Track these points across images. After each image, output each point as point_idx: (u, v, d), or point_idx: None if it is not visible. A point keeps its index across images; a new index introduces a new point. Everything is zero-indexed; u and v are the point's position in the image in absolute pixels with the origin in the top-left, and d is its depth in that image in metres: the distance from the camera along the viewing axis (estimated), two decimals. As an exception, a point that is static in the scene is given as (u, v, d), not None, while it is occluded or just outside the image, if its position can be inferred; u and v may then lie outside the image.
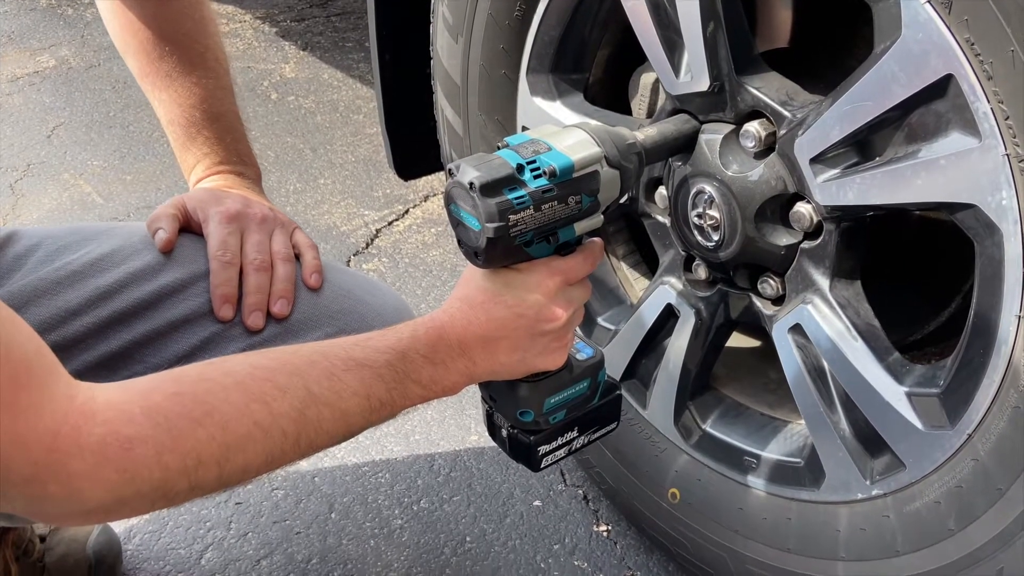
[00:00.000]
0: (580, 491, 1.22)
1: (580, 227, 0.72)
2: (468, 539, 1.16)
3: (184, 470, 0.58)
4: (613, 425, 0.82)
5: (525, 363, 0.72)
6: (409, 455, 1.28)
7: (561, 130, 0.72)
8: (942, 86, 0.66)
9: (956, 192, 0.67)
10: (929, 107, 0.68)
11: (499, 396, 0.76)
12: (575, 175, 0.69)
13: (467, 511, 1.19)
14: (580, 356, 0.77)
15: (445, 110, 1.15)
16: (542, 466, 0.77)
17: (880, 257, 0.86)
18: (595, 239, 0.75)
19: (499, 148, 0.70)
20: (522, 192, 0.66)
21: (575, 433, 0.79)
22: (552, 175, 0.67)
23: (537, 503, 1.21)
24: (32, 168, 2.09)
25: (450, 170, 0.68)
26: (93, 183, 2.03)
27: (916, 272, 0.96)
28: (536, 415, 0.75)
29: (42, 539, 1.07)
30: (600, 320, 1.11)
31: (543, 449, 0.77)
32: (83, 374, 0.79)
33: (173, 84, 0.94)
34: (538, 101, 1.02)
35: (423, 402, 0.71)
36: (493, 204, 0.65)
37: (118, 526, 1.14)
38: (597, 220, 0.73)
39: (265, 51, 2.69)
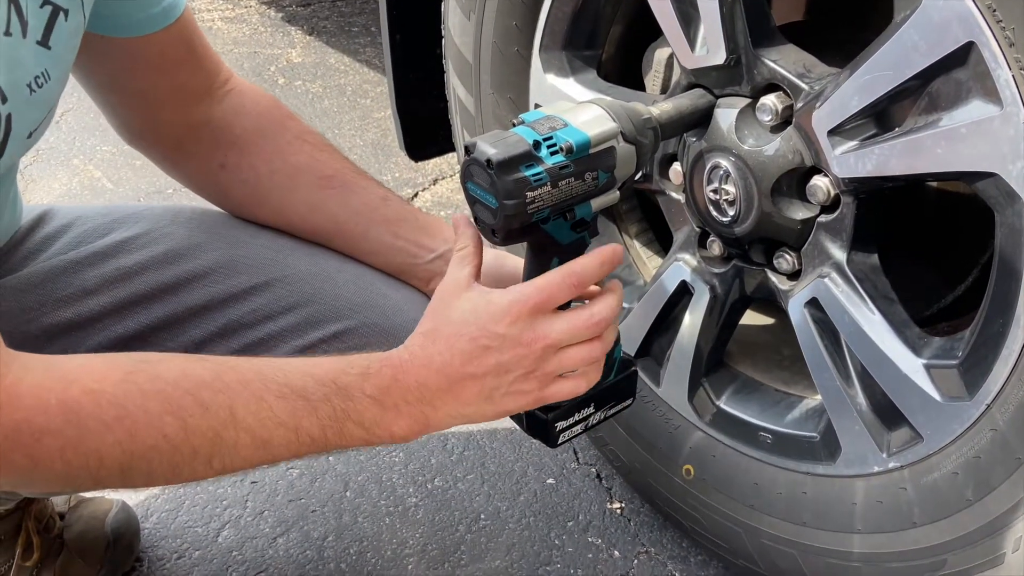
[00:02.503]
0: (593, 469, 1.23)
1: (597, 203, 0.71)
2: (482, 516, 1.16)
3: (86, 467, 0.59)
4: (629, 401, 0.82)
5: (493, 404, 0.67)
6: (422, 435, 1.29)
7: (576, 106, 0.71)
8: (963, 54, 0.66)
9: (977, 161, 0.67)
10: (950, 75, 0.68)
11: None
12: (592, 151, 0.68)
13: (481, 489, 1.20)
14: None
15: (457, 89, 1.15)
16: (559, 442, 0.77)
17: (896, 231, 0.86)
18: (574, 262, 0.69)
19: (514, 125, 0.70)
20: (539, 169, 0.66)
21: (591, 409, 0.79)
22: (569, 151, 0.67)
23: (550, 481, 1.21)
24: (41, 154, 2.09)
25: (467, 147, 0.68)
26: (103, 168, 2.03)
27: (932, 246, 0.96)
28: None
29: (61, 516, 1.08)
30: (613, 298, 1.11)
31: (560, 425, 0.77)
32: (99, 351, 0.80)
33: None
34: (551, 78, 1.02)
35: (366, 446, 0.66)
36: (510, 181, 0.65)
37: (135, 504, 1.15)
38: (613, 196, 0.72)
39: (271, 36, 2.69)
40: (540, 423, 0.76)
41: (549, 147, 0.67)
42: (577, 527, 1.15)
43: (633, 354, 1.07)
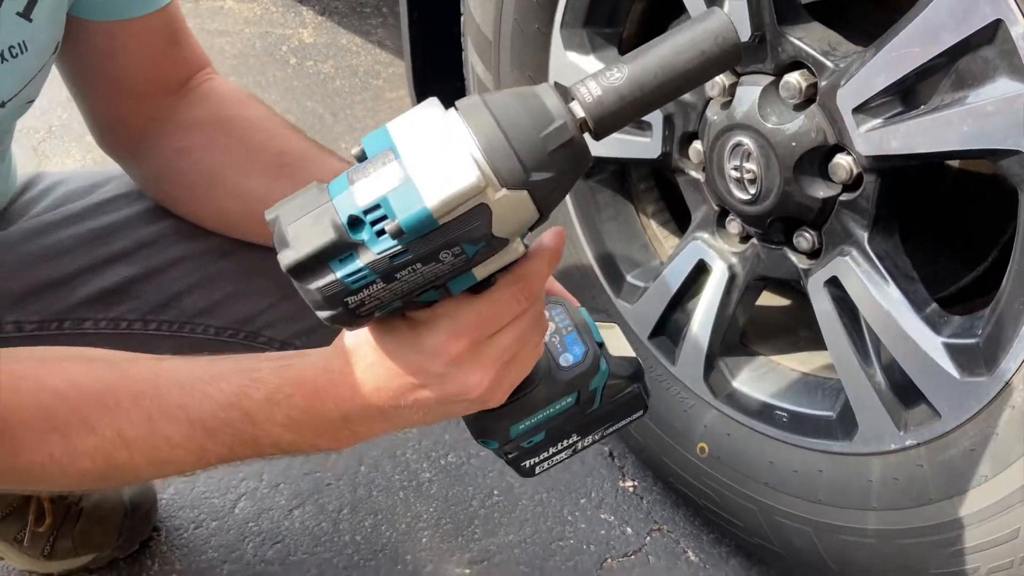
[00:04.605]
0: (606, 448, 1.24)
1: (483, 271, 0.49)
2: (496, 492, 1.17)
3: None
4: (638, 414, 0.64)
5: (436, 417, 0.56)
6: (436, 412, 1.30)
7: (440, 127, 0.45)
8: (990, 31, 0.66)
9: (1002, 138, 0.67)
10: (977, 53, 0.68)
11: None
12: (441, 222, 0.44)
13: (494, 466, 1.21)
14: (565, 362, 0.58)
15: (476, 67, 1.15)
16: (536, 473, 0.63)
17: (916, 211, 0.86)
18: (521, 271, 0.51)
19: (356, 156, 0.48)
20: (358, 265, 0.45)
21: (575, 438, 0.63)
22: (397, 234, 0.44)
23: (563, 459, 1.22)
24: (54, 130, 2.10)
25: (267, 219, 0.47)
26: (115, 145, 2.04)
27: (951, 226, 0.96)
28: (501, 444, 0.60)
29: (79, 486, 1.09)
30: (629, 277, 1.12)
31: (529, 462, 0.63)
32: (80, 307, 0.81)
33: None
34: (572, 56, 1.02)
35: (293, 455, 0.60)
36: (315, 291, 0.46)
37: (152, 476, 1.16)
38: (512, 253, 0.49)
39: (283, 16, 2.68)
40: (505, 460, 0.62)
41: (373, 223, 0.44)
42: (590, 504, 1.16)
43: (648, 333, 1.07)
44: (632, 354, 0.62)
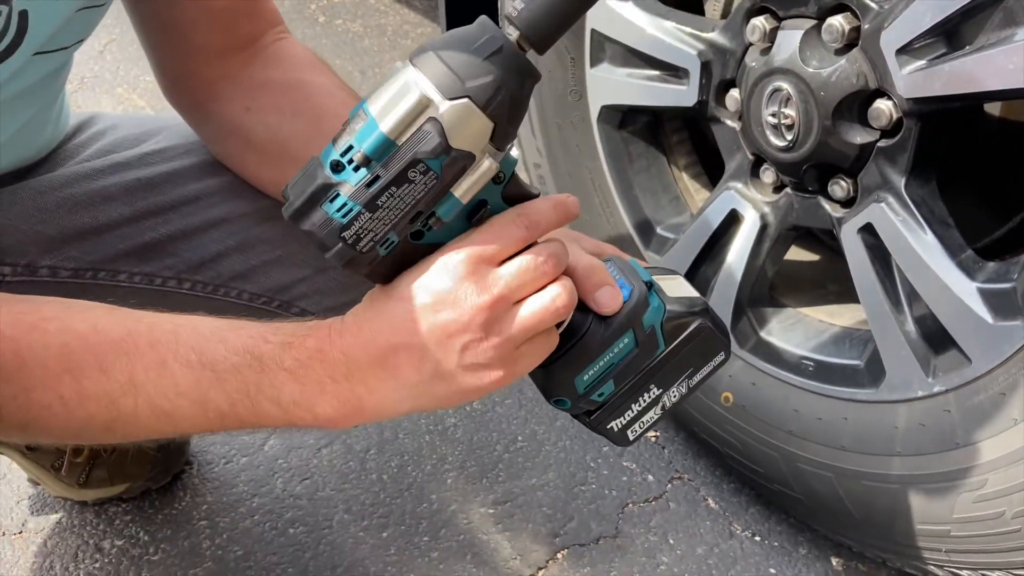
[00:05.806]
0: (629, 400, 1.25)
1: (463, 190, 0.53)
2: (520, 438, 1.19)
3: None
4: (719, 357, 0.61)
5: (446, 383, 0.54)
6: (462, 360, 1.31)
7: (393, 76, 0.52)
8: (1043, -32, 0.66)
9: (1049, 77, 0.67)
10: (1028, -10, 0.68)
11: (531, 377, 0.59)
12: (400, 143, 0.51)
13: (518, 413, 1.23)
14: None
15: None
16: (631, 439, 0.61)
17: (953, 160, 0.86)
18: (524, 204, 0.55)
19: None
20: (342, 199, 0.52)
21: (656, 390, 0.60)
22: (364, 162, 0.51)
23: (587, 409, 1.24)
24: (86, 82, 2.12)
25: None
26: (146, 98, 2.05)
27: (988, 176, 0.96)
28: (573, 401, 0.59)
29: (114, 418, 1.12)
30: (659, 229, 1.13)
31: (617, 424, 0.60)
32: (116, 260, 0.81)
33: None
34: (610, 2, 1.02)
35: (289, 427, 0.58)
36: (315, 230, 0.52)
37: (185, 411, 1.19)
38: (487, 169, 0.53)
39: (312, -25, 2.68)
40: (589, 427, 0.61)
41: (350, 162, 0.52)
42: (612, 452, 1.17)
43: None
44: (694, 294, 0.61)
